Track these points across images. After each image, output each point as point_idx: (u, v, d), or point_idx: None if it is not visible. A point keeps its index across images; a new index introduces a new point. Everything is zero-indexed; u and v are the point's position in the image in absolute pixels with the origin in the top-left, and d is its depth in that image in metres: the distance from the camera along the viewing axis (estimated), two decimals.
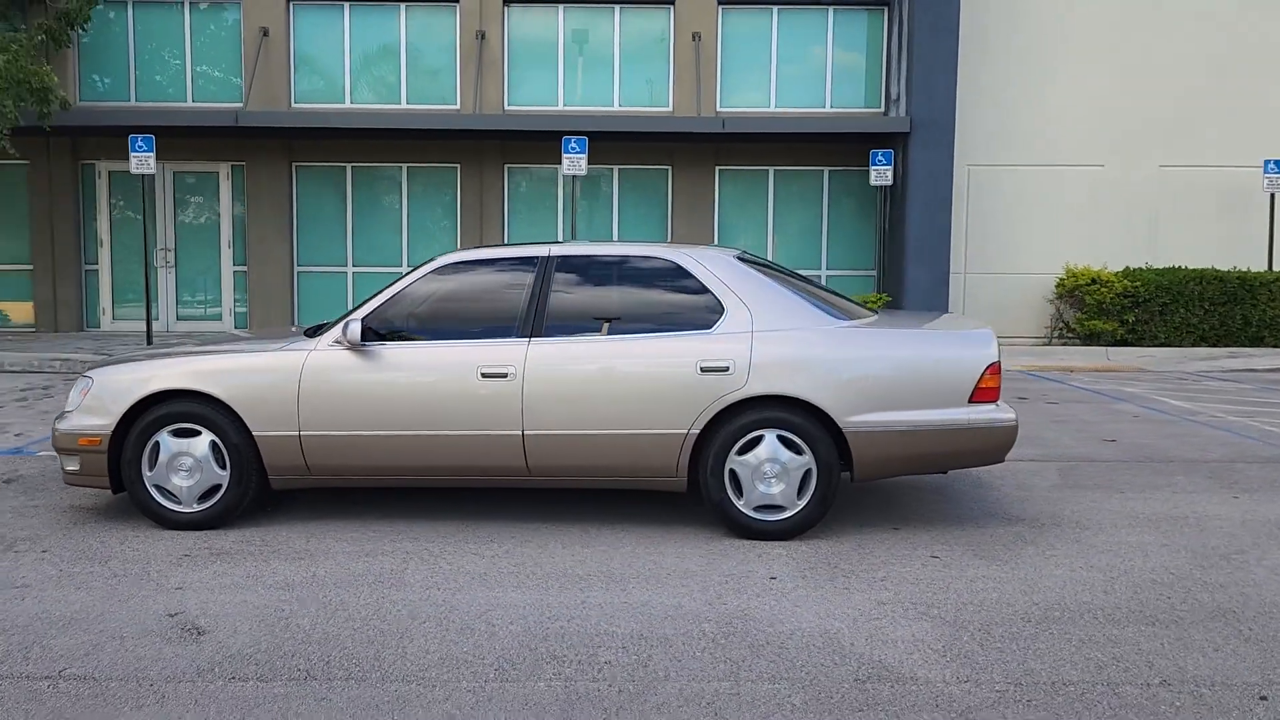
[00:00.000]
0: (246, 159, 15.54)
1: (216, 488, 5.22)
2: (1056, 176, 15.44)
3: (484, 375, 5.09)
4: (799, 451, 5.04)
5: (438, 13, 15.47)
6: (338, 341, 5.19)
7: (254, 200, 15.54)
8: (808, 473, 5.04)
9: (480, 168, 15.57)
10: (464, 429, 5.10)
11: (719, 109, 15.55)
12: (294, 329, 6.17)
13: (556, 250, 5.41)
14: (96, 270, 15.89)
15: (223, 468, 5.21)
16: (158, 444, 5.21)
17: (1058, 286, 15.16)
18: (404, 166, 15.79)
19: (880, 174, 14.33)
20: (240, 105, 15.06)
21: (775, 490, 5.04)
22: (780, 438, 5.04)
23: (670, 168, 15.76)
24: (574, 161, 13.28)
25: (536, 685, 3.44)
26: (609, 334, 5.18)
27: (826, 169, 15.86)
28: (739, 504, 5.07)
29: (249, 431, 5.16)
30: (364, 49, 15.59)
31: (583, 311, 5.27)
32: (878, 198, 15.26)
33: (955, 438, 5.07)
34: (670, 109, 15.55)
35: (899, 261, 14.83)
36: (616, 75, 15.64)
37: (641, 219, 15.90)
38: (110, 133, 14.96)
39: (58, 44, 14.62)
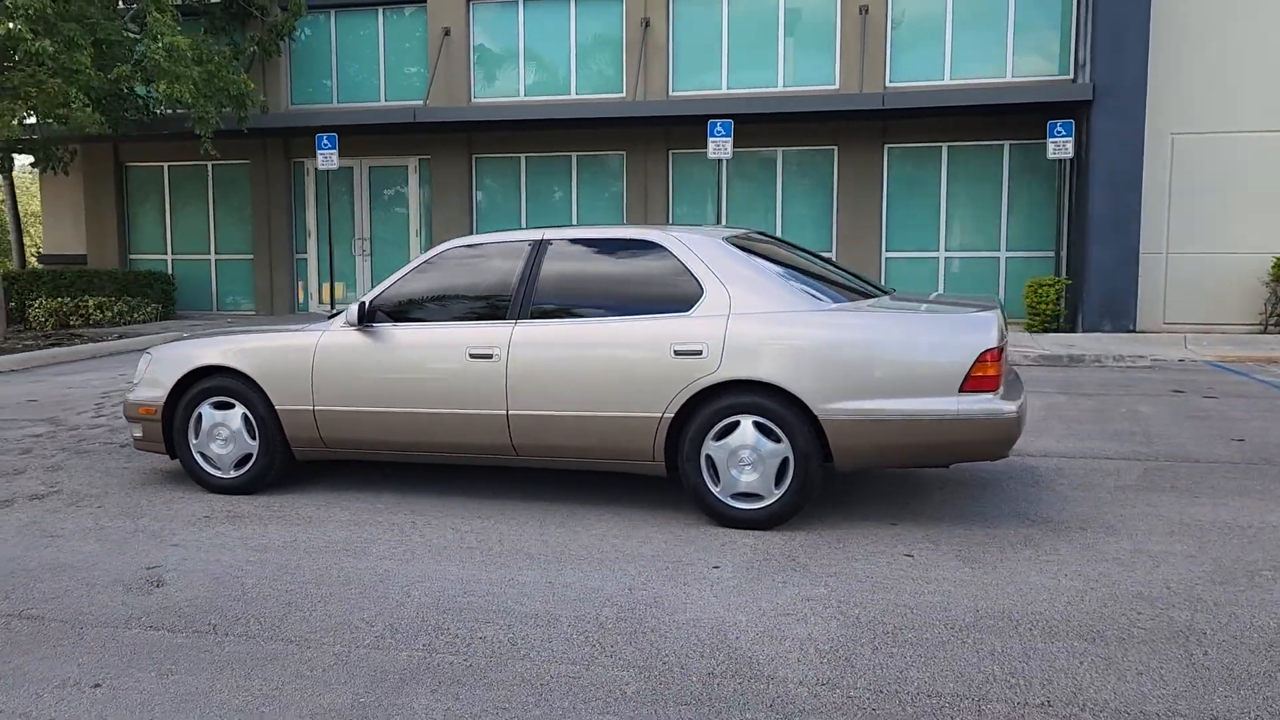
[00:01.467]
0: (432, 152, 16.52)
1: (249, 456, 5.70)
2: (1275, 145, 13.73)
3: (472, 356, 5.26)
4: (776, 439, 4.87)
5: (605, 3, 15.78)
6: (348, 323, 5.51)
7: (438, 191, 16.52)
8: (785, 461, 4.87)
9: (645, 154, 15.78)
10: (454, 407, 5.30)
11: (888, 84, 14.94)
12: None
13: (550, 234, 5.49)
14: (305, 259, 17.43)
15: (253, 438, 5.68)
16: (200, 415, 5.75)
17: (1275, 268, 13.51)
18: (573, 156, 16.25)
19: (1059, 146, 13.30)
20: (420, 103, 16.01)
21: (751, 478, 4.91)
22: (757, 424, 4.89)
23: (836, 148, 15.32)
24: (719, 145, 13.20)
25: (399, 654, 3.57)
26: (591, 317, 5.21)
27: (1006, 143, 14.89)
28: (716, 491, 4.97)
29: (273, 405, 5.60)
30: (536, 43, 16.16)
31: (568, 294, 5.32)
32: (1057, 173, 14.16)
33: (943, 429, 4.73)
34: (836, 86, 15.12)
35: (1080, 242, 13.72)
36: (781, 55, 15.37)
37: (806, 201, 15.57)
38: (315, 132, 16.33)
39: (269, 54, 16.18)
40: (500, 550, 4.71)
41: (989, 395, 4.71)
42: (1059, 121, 13.30)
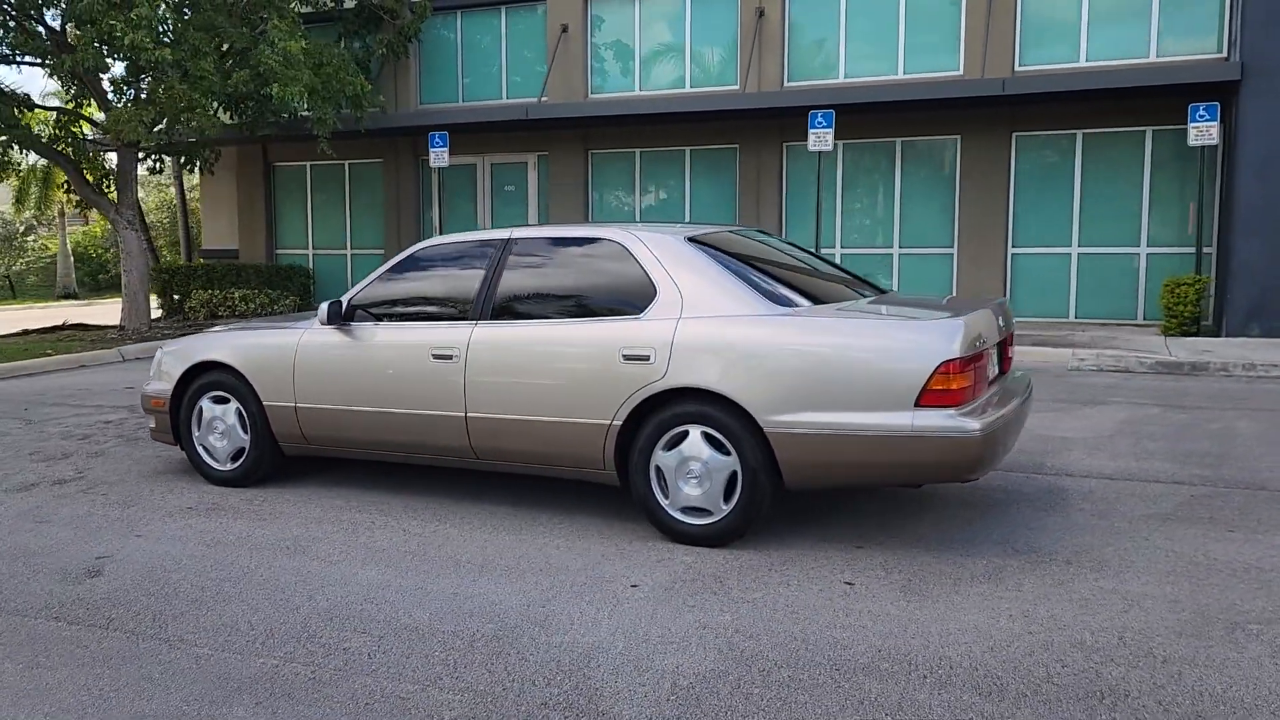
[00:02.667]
0: (549, 149, 16.68)
1: (243, 450, 5.86)
2: None
3: (435, 357, 5.20)
4: (725, 451, 4.59)
5: None
6: (323, 321, 5.56)
7: (555, 187, 16.67)
8: (733, 475, 4.57)
9: (759, 147, 15.40)
10: (418, 408, 5.26)
11: (1016, 68, 13.99)
12: None
13: (517, 233, 5.37)
14: None
15: (245, 433, 5.83)
16: (201, 409, 5.94)
17: None
18: (687, 150, 16.05)
19: (1201, 132, 12.09)
20: (535, 100, 16.17)
21: (698, 492, 4.65)
22: (705, 435, 4.62)
23: (959, 137, 14.48)
24: (820, 137, 12.70)
25: (255, 661, 3.55)
26: (547, 318, 5.06)
27: (1149, 129, 13.67)
28: (664, 504, 4.73)
29: (260, 401, 5.72)
30: (652, 37, 16.04)
31: (528, 295, 5.20)
32: (1200, 161, 12.89)
33: (897, 447, 4.32)
34: (959, 72, 14.28)
35: (1226, 236, 12.44)
36: (900, 41, 14.65)
37: (925, 194, 14.80)
38: (439, 130, 16.78)
39: (397, 56, 16.75)
40: (435, 556, 4.63)
41: (949, 411, 4.27)
42: (1201, 104, 12.09)
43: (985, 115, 14.17)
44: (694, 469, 4.64)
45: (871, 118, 14.58)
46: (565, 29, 16.19)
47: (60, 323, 17.80)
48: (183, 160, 16.00)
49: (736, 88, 15.36)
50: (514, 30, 16.92)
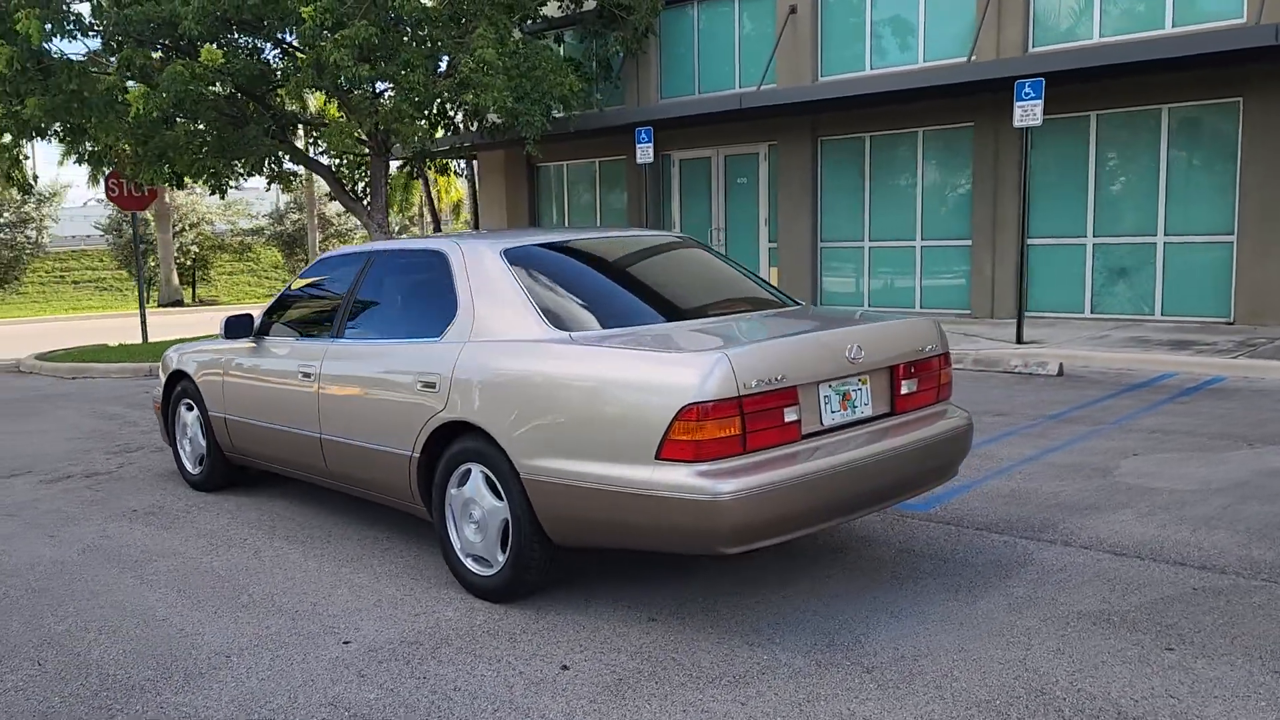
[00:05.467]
0: (779, 138, 15.92)
1: (203, 455, 6.07)
2: None
3: (303, 374, 5.05)
4: (500, 496, 4.02)
5: None
6: (223, 336, 5.61)
7: (783, 177, 15.89)
8: (505, 523, 4.00)
9: (994, 125, 13.62)
10: (292, 426, 5.15)
11: None
12: None
13: (377, 246, 5.08)
14: None
15: (204, 439, 6.03)
16: (180, 414, 6.24)
17: None
18: (919, 132, 14.58)
19: None
20: (757, 88, 15.46)
21: (479, 539, 4.13)
22: (485, 476, 4.07)
23: (1240, 100, 11.86)
24: (1028, 110, 10.88)
25: None
26: (380, 337, 4.73)
27: None
28: (457, 549, 4.24)
29: (206, 410, 5.90)
30: (883, 10, 14.72)
31: (371, 312, 4.92)
32: None
33: (639, 507, 3.53)
34: (1242, 19, 11.69)
35: None
36: None
37: (1199, 169, 12.28)
38: (676, 124, 16.64)
39: (632, 53, 16.83)
40: (234, 585, 4.50)
41: (696, 467, 3.42)
42: None
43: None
44: (474, 513, 4.13)
45: (1132, 81, 12.37)
46: (794, 10, 15.33)
47: None
48: (436, 165, 17.11)
49: (974, 58, 13.68)
50: (746, 17, 16.31)
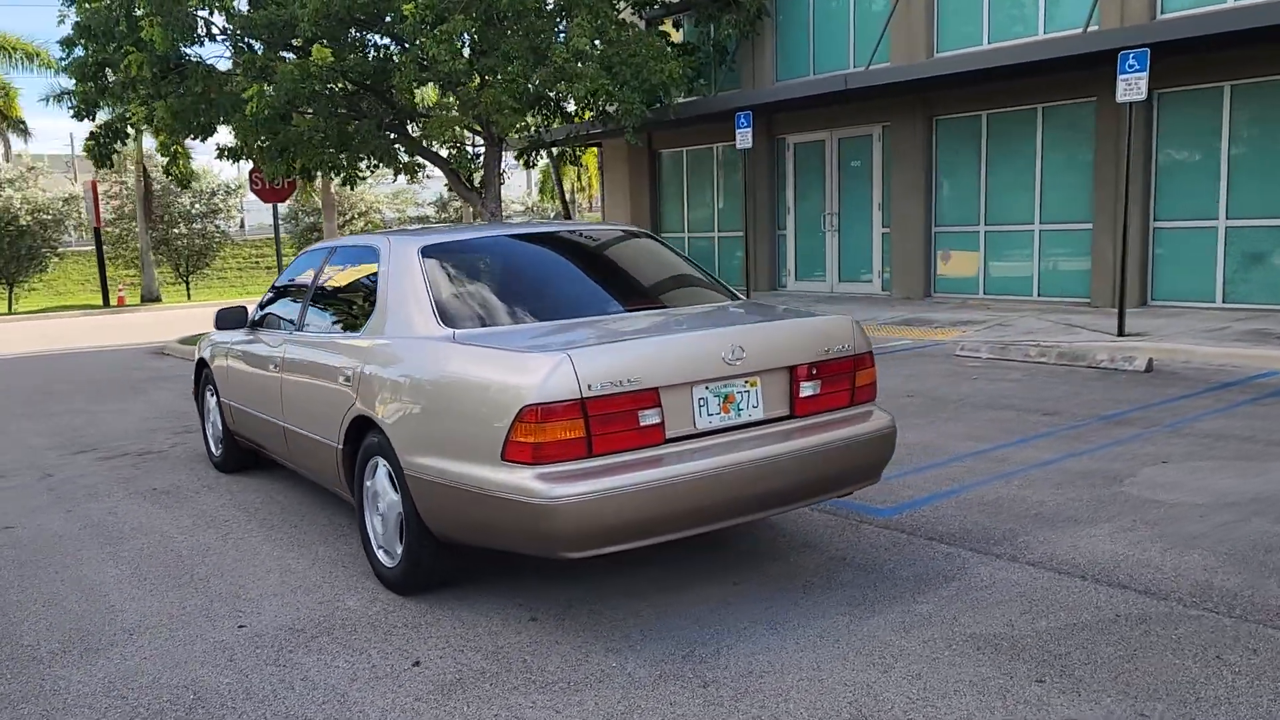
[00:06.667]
0: (892, 118, 15.34)
1: (220, 438, 6.43)
2: None
3: (272, 366, 5.27)
4: (397, 490, 4.09)
5: None
6: (216, 327, 5.90)
7: (896, 160, 15.30)
8: (400, 516, 4.07)
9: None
10: (265, 413, 5.39)
11: None
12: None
13: (339, 241, 5.24)
14: (785, 235, 17.53)
15: (223, 423, 6.38)
16: (205, 398, 6.63)
17: None
18: (1038, 108, 13.71)
19: None
20: (880, 66, 14.91)
21: (383, 530, 4.22)
22: (386, 469, 4.15)
23: None
24: (1131, 84, 10.04)
25: None
26: (322, 330, 4.90)
27: None
28: (371, 539, 4.34)
29: (219, 395, 6.24)
30: None
31: (324, 305, 5.09)
32: None
33: (489, 508, 3.52)
34: None
35: None
36: None
37: None
38: (790, 107, 16.32)
39: (746, 35, 16.61)
40: (188, 570, 4.71)
41: (535, 469, 3.38)
42: None
43: None
44: (380, 506, 4.22)
45: (1268, 49, 11.25)
46: None
47: None
48: (556, 154, 17.39)
49: (1095, 27, 12.75)
50: None
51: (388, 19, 13.89)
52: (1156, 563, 4.13)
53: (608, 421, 3.43)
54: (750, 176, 17.59)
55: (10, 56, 30.18)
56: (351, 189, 17.82)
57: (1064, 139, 13.54)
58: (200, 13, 13.66)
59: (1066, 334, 10.65)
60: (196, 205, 41.83)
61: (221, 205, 40.65)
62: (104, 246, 32.74)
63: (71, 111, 15.51)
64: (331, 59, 13.17)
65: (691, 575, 4.24)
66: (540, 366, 3.40)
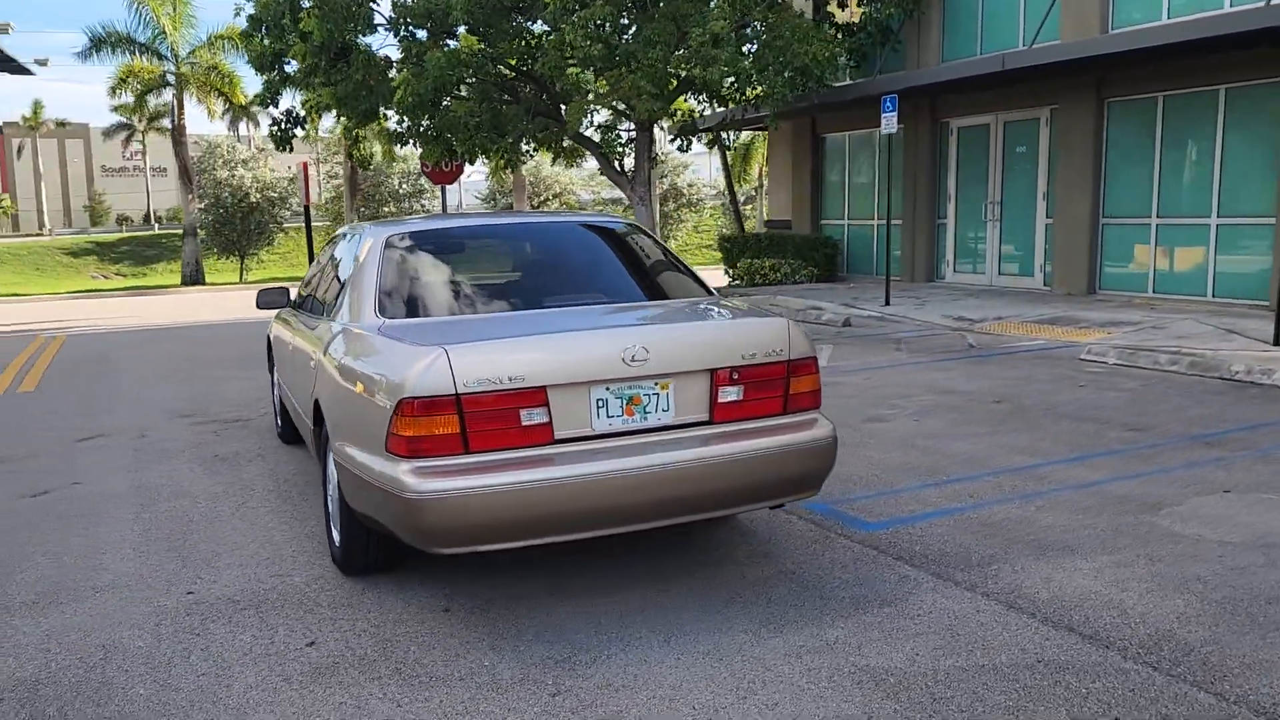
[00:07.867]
0: (1060, 100, 14.29)
1: (280, 410, 6.81)
2: None
3: (289, 346, 5.53)
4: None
5: None
6: (258, 306, 6.20)
7: (1062, 145, 14.25)
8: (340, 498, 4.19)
9: None
10: (287, 389, 5.65)
11: None
12: None
13: (346, 229, 5.37)
14: (945, 224, 16.70)
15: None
16: (273, 373, 7.03)
17: None
18: (1220, 90, 12.40)
19: None
20: (1053, 43, 13.91)
21: (333, 510, 4.36)
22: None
23: None
24: None
25: None
26: (319, 314, 5.09)
27: None
28: (330, 520, 4.50)
29: (272, 372, 6.61)
30: None
31: (327, 289, 5.25)
32: None
33: (377, 500, 3.57)
34: None
35: None
36: None
37: None
38: (953, 89, 15.53)
39: (910, 14, 15.95)
40: (185, 535, 5.00)
41: (410, 463, 3.41)
42: None
43: None
44: (329, 487, 4.34)
45: None
46: None
47: None
48: (710, 139, 17.28)
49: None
50: None
51: (538, 4, 14.17)
52: (1126, 605, 3.69)
53: (486, 419, 3.40)
54: (911, 162, 16.89)
55: (226, 47, 32.76)
56: (512, 171, 18.36)
57: (1247, 123, 12.21)
58: (366, 3, 14.40)
59: (1219, 340, 9.62)
60: (404, 185, 44.24)
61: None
62: (316, 224, 35.20)
63: (257, 100, 16.77)
64: (480, 46, 13.58)
65: (631, 577, 4.14)
66: (418, 362, 3.41)
